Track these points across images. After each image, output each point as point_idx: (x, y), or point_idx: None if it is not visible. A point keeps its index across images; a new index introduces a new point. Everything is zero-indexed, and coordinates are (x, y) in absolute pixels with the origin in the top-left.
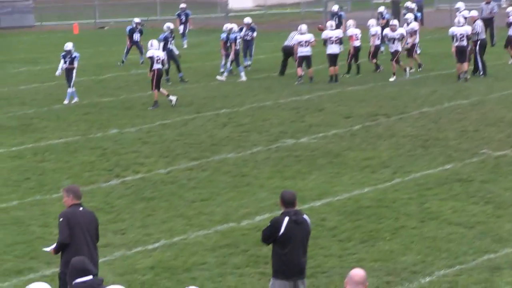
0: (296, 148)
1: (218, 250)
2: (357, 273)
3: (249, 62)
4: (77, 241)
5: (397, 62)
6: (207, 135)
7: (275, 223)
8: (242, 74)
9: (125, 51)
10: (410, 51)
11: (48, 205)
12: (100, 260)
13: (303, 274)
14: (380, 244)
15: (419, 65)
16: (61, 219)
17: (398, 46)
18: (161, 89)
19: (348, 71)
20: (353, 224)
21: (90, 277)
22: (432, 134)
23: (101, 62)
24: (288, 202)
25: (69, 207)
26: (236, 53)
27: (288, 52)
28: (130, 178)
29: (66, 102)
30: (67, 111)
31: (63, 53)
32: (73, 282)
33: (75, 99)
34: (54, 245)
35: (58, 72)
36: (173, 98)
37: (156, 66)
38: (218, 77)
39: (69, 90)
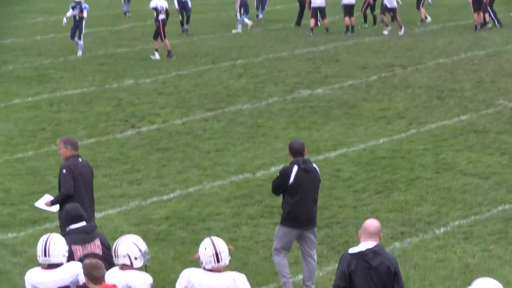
0: (312, 99)
1: (233, 201)
2: (372, 223)
3: (260, 16)
4: (80, 192)
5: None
6: (223, 86)
7: (284, 173)
8: (240, 26)
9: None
10: (418, 3)
11: None
12: (115, 210)
13: (313, 223)
14: (395, 194)
15: (421, 20)
16: (64, 171)
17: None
18: (157, 40)
19: (365, 21)
20: (368, 175)
21: (84, 223)
22: (448, 85)
23: (117, 12)
24: (296, 151)
25: (67, 159)
26: (242, 4)
27: (304, 2)
28: (145, 129)
29: (80, 54)
30: (83, 62)
31: (72, 4)
32: (67, 228)
33: (79, 53)
34: (48, 198)
35: (64, 21)
36: (157, 54)
37: (161, 16)
38: (234, 31)
39: (80, 42)
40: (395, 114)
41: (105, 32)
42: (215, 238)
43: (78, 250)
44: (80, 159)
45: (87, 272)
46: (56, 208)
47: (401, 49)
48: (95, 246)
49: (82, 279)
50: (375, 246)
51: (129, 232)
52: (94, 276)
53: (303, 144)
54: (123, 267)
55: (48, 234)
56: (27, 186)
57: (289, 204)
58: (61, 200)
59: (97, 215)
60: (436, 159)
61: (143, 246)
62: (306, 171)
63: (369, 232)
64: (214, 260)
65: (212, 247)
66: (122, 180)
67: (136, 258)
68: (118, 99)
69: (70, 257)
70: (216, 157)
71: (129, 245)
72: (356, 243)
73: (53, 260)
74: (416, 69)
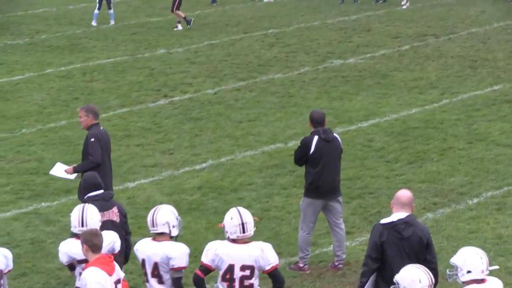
0: (344, 69)
1: (265, 171)
2: (404, 194)
3: None
4: (104, 160)
5: None
6: (254, 56)
7: (305, 143)
8: None
9: None
10: None
11: None
12: (148, 180)
13: (336, 193)
14: (428, 165)
15: None
16: (92, 140)
17: None
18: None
19: None
20: (401, 145)
21: (102, 191)
22: (481, 55)
23: None
24: (316, 121)
25: (89, 127)
26: None
27: None
28: (177, 98)
29: (112, 22)
30: (115, 31)
31: None
32: (86, 196)
33: (112, 22)
34: (61, 167)
35: None
36: (179, 26)
37: None
38: (265, 0)
39: (110, 11)
40: (427, 84)
41: (138, 1)
42: (241, 209)
43: None
44: (101, 127)
45: (87, 239)
46: (73, 176)
47: (433, 18)
48: (113, 214)
49: (117, 247)
50: (407, 217)
51: (161, 202)
52: (94, 243)
53: (323, 114)
54: (157, 237)
55: (83, 205)
56: (60, 156)
57: (311, 175)
58: (89, 168)
59: (130, 184)
60: (468, 130)
61: (178, 216)
62: (327, 141)
63: (402, 203)
64: (240, 230)
65: (238, 217)
66: (154, 150)
67: (173, 226)
68: (150, 68)
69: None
70: (248, 127)
71: (168, 213)
72: (389, 213)
73: None
74: (449, 39)
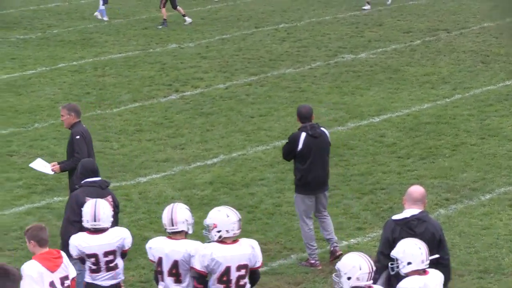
0: (355, 64)
1: (276, 166)
2: (416, 190)
3: None
4: (90, 157)
5: None
6: (266, 50)
7: (293, 139)
8: None
9: None
10: None
11: (108, 119)
12: (160, 175)
13: (325, 186)
14: (440, 160)
15: None
16: (78, 137)
17: None
18: (178, 8)
19: None
20: (412, 141)
21: (99, 178)
22: (493, 50)
23: None
24: (304, 116)
25: (72, 125)
26: None
27: None
28: (189, 93)
29: (105, 18)
30: (126, 26)
31: None
32: (82, 181)
33: (104, 18)
34: (41, 162)
35: None
36: (188, 18)
37: None
38: None
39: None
40: (439, 79)
41: None
42: (228, 207)
43: None
44: (84, 125)
45: (34, 234)
46: (50, 171)
47: (445, 12)
48: (108, 202)
49: (127, 244)
50: (419, 213)
51: (173, 197)
52: (41, 238)
53: (310, 108)
54: (173, 235)
55: (95, 200)
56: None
57: (300, 170)
58: (74, 166)
59: (141, 179)
60: (481, 125)
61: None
62: (315, 137)
63: (414, 199)
64: (238, 226)
65: (234, 214)
66: (166, 145)
67: (190, 224)
68: (161, 63)
69: (81, 207)
70: (260, 121)
71: (185, 211)
72: (401, 209)
73: (102, 224)
74: (461, 33)
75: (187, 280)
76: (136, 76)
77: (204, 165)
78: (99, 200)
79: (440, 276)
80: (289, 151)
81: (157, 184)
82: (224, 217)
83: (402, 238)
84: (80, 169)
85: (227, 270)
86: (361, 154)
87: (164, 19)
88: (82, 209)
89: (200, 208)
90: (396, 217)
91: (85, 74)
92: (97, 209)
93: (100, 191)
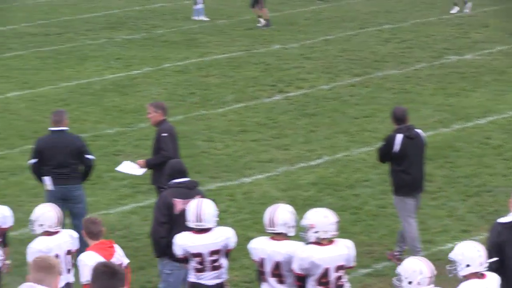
0: (460, 65)
1: (380, 167)
2: None
3: None
4: (175, 155)
5: None
6: (370, 51)
7: (388, 141)
8: None
9: None
10: None
11: (212, 119)
12: (264, 176)
13: (421, 188)
14: None
15: None
16: (165, 134)
17: None
18: (255, 9)
19: None
20: None
21: (187, 178)
22: None
23: None
24: (399, 118)
25: (158, 123)
26: None
27: None
28: (292, 94)
29: (203, 18)
30: (230, 26)
31: None
32: (170, 182)
33: (202, 18)
34: (129, 165)
35: None
36: (262, 21)
37: None
38: None
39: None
40: None
41: None
42: (325, 208)
43: (179, 204)
44: (170, 123)
45: (86, 226)
46: (140, 171)
47: None
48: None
49: (232, 244)
50: None
51: (277, 198)
52: (91, 231)
53: (405, 110)
54: (275, 236)
55: (199, 199)
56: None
57: (397, 172)
58: (160, 162)
59: (245, 180)
60: None
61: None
62: (411, 138)
63: None
64: (336, 227)
65: (331, 215)
66: (270, 145)
67: (291, 227)
68: (265, 64)
69: (170, 209)
70: (364, 123)
71: (286, 214)
72: (507, 212)
73: (206, 225)
74: None
75: (290, 280)
76: (240, 77)
77: (308, 166)
78: (203, 200)
79: (497, 279)
80: (385, 153)
81: (261, 185)
82: (321, 218)
83: (509, 241)
84: (168, 170)
85: (326, 271)
86: (466, 156)
87: (267, 19)
88: (169, 210)
89: (304, 209)
90: (502, 220)
91: (189, 74)
92: (201, 209)
93: (188, 191)
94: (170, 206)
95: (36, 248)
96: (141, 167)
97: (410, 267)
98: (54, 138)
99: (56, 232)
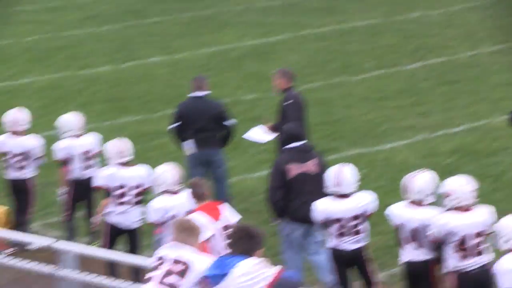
0: None
1: None
2: None
3: None
4: (301, 122)
5: None
6: None
7: None
8: None
9: None
10: None
11: (351, 86)
12: (403, 142)
13: None
14: None
15: None
16: (291, 101)
17: None
18: None
19: None
20: None
21: (302, 142)
22: None
23: None
24: None
25: (284, 90)
26: None
27: None
28: (433, 61)
29: None
30: None
31: None
32: (286, 147)
33: None
34: (259, 130)
35: None
36: None
37: None
38: None
39: None
40: None
41: None
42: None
43: (293, 169)
44: (295, 91)
45: (192, 189)
46: (267, 138)
47: None
48: (311, 165)
49: (372, 208)
50: None
51: (416, 165)
52: (195, 192)
53: None
54: (412, 203)
55: (340, 165)
56: (314, 116)
57: None
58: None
59: (384, 146)
60: None
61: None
62: None
63: None
64: (474, 195)
65: (470, 182)
66: (409, 112)
67: (428, 195)
68: (405, 31)
69: (284, 175)
70: (506, 90)
71: (423, 182)
72: None
73: (345, 190)
74: None
75: (428, 246)
76: (379, 44)
77: (447, 134)
78: (344, 165)
79: None
80: None
81: (400, 151)
82: (459, 186)
83: None
84: (283, 135)
85: (464, 238)
86: None
87: None
88: (282, 175)
89: (443, 176)
90: None
91: (329, 41)
92: (339, 175)
93: (303, 154)
94: (283, 172)
95: (155, 207)
96: (270, 130)
97: (509, 224)
98: (196, 103)
99: (176, 192)
